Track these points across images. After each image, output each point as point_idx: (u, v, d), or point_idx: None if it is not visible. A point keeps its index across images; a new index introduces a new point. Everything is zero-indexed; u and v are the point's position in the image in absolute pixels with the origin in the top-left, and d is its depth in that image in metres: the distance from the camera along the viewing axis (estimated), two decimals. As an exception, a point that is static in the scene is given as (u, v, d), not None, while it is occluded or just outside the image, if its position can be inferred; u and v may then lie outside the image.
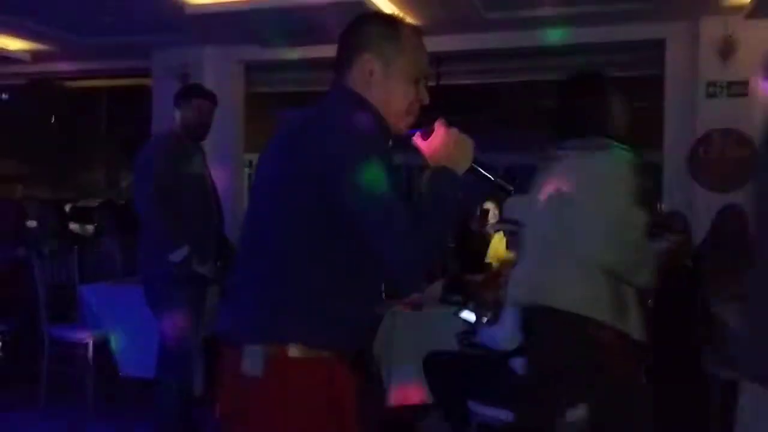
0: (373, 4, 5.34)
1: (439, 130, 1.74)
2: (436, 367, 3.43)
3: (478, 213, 6.48)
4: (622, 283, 2.36)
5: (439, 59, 6.75)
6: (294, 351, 1.57)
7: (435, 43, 6.25)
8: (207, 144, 4.20)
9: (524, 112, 10.47)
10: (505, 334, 3.02)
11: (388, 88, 1.73)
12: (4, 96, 9.99)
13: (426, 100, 1.79)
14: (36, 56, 7.31)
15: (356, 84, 1.75)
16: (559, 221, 2.39)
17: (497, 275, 4.87)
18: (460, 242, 6.24)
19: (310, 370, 1.58)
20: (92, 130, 17.90)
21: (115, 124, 15.67)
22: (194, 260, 3.74)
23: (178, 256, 3.68)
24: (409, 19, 1.86)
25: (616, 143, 2.41)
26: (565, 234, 2.37)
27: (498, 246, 5.86)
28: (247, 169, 7.64)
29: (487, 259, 5.78)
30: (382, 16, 1.87)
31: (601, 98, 2.48)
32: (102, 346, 4.72)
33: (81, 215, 14.23)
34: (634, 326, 2.37)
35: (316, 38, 5.94)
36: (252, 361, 1.57)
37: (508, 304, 2.94)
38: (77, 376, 4.74)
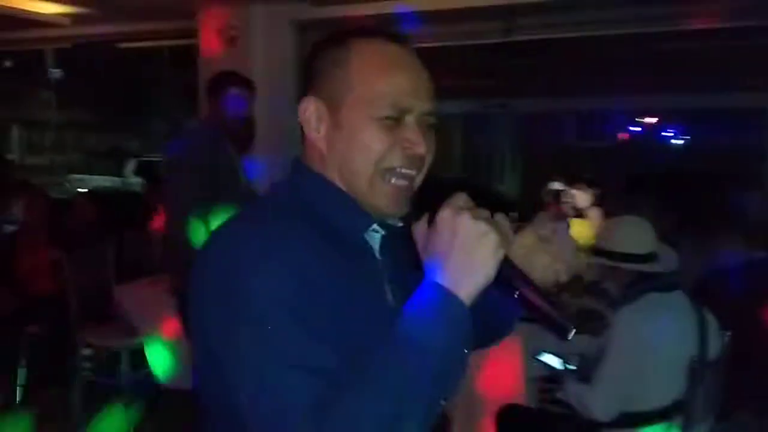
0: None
1: (445, 215, 1.03)
2: (511, 425, 2.83)
3: (549, 196, 5.76)
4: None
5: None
6: None
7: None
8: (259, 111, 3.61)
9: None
10: (601, 402, 2.41)
11: (345, 141, 1.11)
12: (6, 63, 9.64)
13: (419, 147, 1.11)
14: (75, 20, 6.83)
15: (309, 147, 1.16)
16: None
17: (579, 279, 4.24)
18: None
19: None
20: (155, 84, 17.97)
21: (179, 78, 15.51)
22: None
23: None
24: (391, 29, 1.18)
25: None
26: None
27: (577, 231, 5.14)
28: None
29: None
30: (333, 34, 1.18)
31: None
32: (139, 352, 4.33)
33: (147, 169, 14.22)
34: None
35: None
36: None
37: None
38: (110, 384, 4.37)
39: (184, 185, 3.26)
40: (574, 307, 3.86)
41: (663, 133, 17.81)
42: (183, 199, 3.24)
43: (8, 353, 4.55)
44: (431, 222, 1.05)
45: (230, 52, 6.26)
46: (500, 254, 1.01)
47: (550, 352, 2.79)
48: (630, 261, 2.58)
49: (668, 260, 2.65)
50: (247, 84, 3.47)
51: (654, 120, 17.73)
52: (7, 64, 9.81)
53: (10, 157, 15.13)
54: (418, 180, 1.15)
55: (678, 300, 2.58)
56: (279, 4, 6.30)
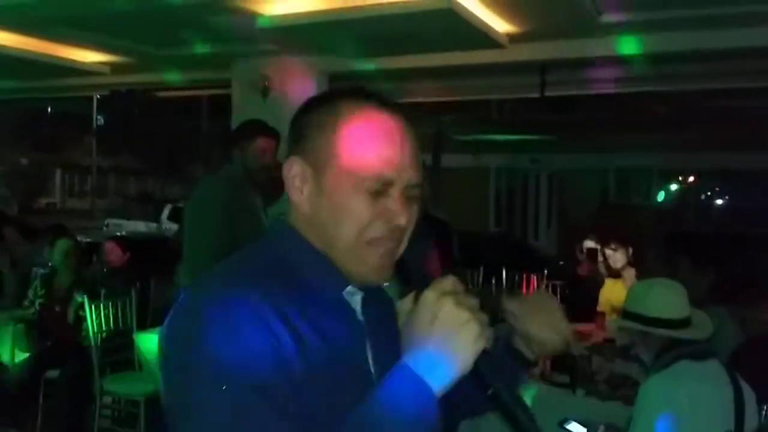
0: (464, 8, 4.57)
1: (428, 297, 1.00)
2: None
3: (583, 254, 5.62)
4: None
5: (543, 67, 6.07)
6: None
7: (538, 51, 5.60)
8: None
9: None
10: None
11: (327, 208, 1.08)
12: (99, 121, 9.99)
13: (401, 219, 1.07)
14: (115, 69, 7.01)
15: (293, 206, 1.13)
16: None
17: (612, 342, 4.08)
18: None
19: None
20: (195, 132, 18.40)
21: (217, 126, 15.92)
22: None
23: None
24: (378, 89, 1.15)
25: None
26: None
27: (611, 292, 5.00)
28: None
29: (600, 308, 4.93)
30: (323, 95, 1.16)
31: None
32: (159, 401, 4.25)
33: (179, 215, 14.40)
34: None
35: (404, 48, 5.47)
36: None
37: None
38: (129, 435, 4.30)
39: (203, 220, 3.31)
40: (606, 373, 3.70)
41: (704, 193, 17.55)
42: (200, 233, 3.26)
43: (29, 398, 4.51)
44: (417, 299, 1.02)
45: (262, 102, 6.33)
46: (479, 346, 0.98)
47: (576, 421, 2.64)
48: (661, 326, 2.44)
49: (703, 326, 2.50)
50: (272, 133, 3.46)
51: (693, 179, 17.49)
52: (50, 110, 10.06)
53: (51, 200, 15.46)
54: (400, 250, 1.11)
55: (713, 369, 2.43)
56: (310, 56, 6.37)
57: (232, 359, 0.93)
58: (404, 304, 1.08)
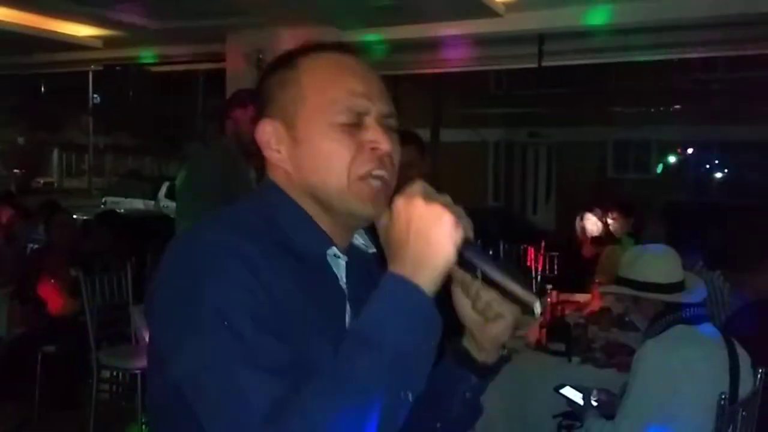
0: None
1: (399, 204, 1.00)
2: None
3: (579, 218, 5.61)
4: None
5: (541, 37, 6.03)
6: None
7: (536, 20, 5.54)
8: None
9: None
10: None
11: (309, 156, 1.07)
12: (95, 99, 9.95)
13: (384, 145, 1.06)
14: (107, 42, 6.93)
15: (272, 169, 1.13)
16: None
17: (607, 310, 4.08)
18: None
19: None
20: (191, 107, 18.29)
21: (213, 102, 15.81)
22: None
23: None
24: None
25: None
26: None
27: (611, 260, 4.98)
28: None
29: (597, 277, 4.91)
30: (281, 57, 1.15)
31: None
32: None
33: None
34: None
35: (400, 19, 5.41)
36: None
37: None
38: (127, 407, 4.30)
39: (195, 186, 3.33)
40: (602, 341, 3.70)
41: (704, 165, 17.50)
42: (196, 210, 3.24)
43: (26, 373, 4.52)
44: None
45: (257, 75, 6.27)
46: (457, 235, 0.97)
47: (571, 386, 2.64)
48: (653, 290, 2.43)
49: (697, 291, 2.48)
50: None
51: (692, 151, 17.44)
52: (43, 88, 10.01)
53: (49, 179, 15.47)
54: (393, 180, 1.09)
55: (707, 333, 2.42)
56: (306, 27, 6.30)
57: (223, 294, 0.95)
58: (382, 221, 1.06)
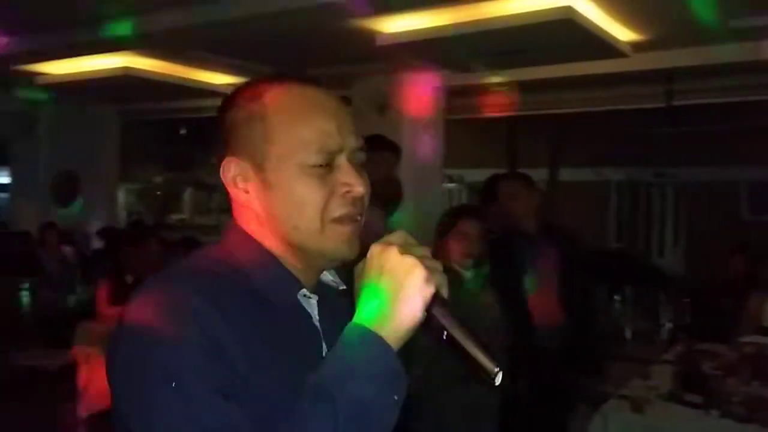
0: (585, 18, 4.48)
1: (374, 251, 0.98)
2: None
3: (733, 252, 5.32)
4: None
5: (670, 76, 5.89)
6: None
7: (664, 58, 5.40)
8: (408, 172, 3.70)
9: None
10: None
11: (280, 200, 1.03)
12: (182, 131, 10.56)
13: (357, 188, 1.04)
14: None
15: (239, 208, 1.09)
16: None
17: (750, 358, 3.85)
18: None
19: None
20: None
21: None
22: None
23: None
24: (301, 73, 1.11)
25: None
26: None
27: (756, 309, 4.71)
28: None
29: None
30: (243, 87, 1.10)
31: None
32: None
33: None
34: None
35: (523, 60, 5.45)
36: None
37: None
38: None
39: None
40: (742, 394, 3.50)
41: None
42: None
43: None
44: None
45: (380, 119, 6.46)
46: (428, 291, 0.94)
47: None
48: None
49: None
50: (392, 147, 3.53)
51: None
52: (183, 131, 10.68)
53: (182, 216, 16.53)
54: (363, 219, 1.08)
55: None
56: (427, 71, 6.43)
57: (166, 351, 0.91)
58: (358, 268, 1.03)
